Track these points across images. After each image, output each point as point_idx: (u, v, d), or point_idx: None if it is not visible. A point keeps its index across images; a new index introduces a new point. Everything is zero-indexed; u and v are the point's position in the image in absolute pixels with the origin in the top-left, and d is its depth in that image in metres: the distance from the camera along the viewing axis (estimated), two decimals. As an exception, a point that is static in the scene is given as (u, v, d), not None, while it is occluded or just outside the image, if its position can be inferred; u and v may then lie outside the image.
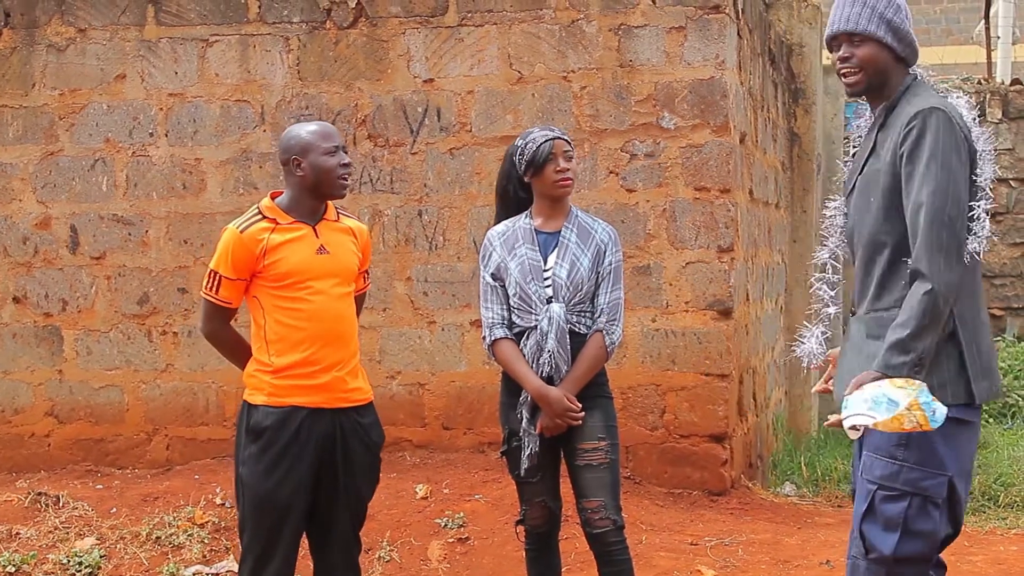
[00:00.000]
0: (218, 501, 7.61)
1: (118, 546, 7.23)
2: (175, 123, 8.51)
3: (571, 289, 5.21)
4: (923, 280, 3.81)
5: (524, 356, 5.23)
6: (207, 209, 8.47)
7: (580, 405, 5.21)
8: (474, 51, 8.21)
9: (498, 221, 5.43)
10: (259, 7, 8.43)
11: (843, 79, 4.11)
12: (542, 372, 5.21)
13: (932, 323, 3.80)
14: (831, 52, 4.14)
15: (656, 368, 8.04)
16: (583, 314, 5.27)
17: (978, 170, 3.91)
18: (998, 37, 16.68)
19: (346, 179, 5.09)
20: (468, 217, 8.22)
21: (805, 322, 4.27)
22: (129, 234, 8.56)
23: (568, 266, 5.23)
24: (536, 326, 5.21)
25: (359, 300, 5.35)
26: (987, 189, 3.89)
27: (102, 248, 8.59)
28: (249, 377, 5.09)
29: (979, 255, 3.90)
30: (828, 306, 4.20)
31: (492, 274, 5.31)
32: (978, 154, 3.92)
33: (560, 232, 5.29)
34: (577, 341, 5.24)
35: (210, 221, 8.43)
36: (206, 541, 7.23)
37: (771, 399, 9.97)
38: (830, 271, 4.21)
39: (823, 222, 4.37)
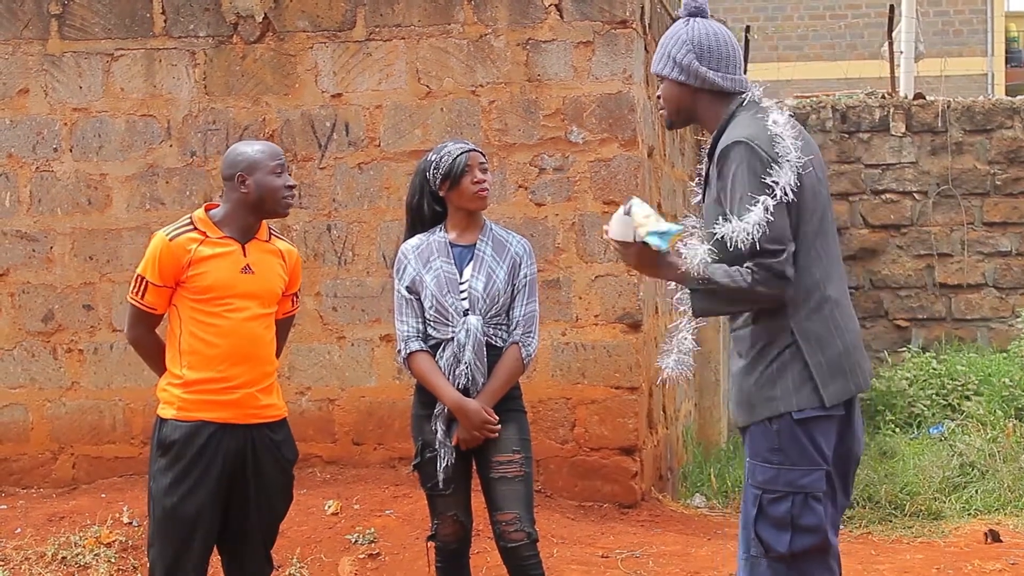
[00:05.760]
0: (125, 520, 7.52)
1: (23, 567, 7.12)
2: (80, 138, 8.42)
3: (487, 302, 5.22)
4: (754, 279, 4.06)
5: (440, 368, 5.23)
6: (113, 225, 8.38)
7: (497, 418, 5.21)
8: (382, 65, 8.20)
9: (408, 236, 5.42)
10: (164, 21, 8.37)
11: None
12: (459, 384, 5.20)
13: (730, 292, 4.09)
14: None
15: (566, 382, 8.06)
16: (499, 327, 5.28)
17: (772, 171, 4.08)
18: (901, 52, 16.92)
19: (290, 200, 5.11)
20: (377, 232, 8.20)
21: (704, 344, 4.40)
22: (33, 250, 8.45)
23: (484, 279, 5.23)
24: (452, 338, 5.21)
25: (287, 322, 5.35)
26: (774, 189, 4.04)
27: (5, 265, 8.47)
28: (161, 391, 5.08)
29: (744, 243, 4.03)
30: (690, 320, 4.38)
31: (407, 287, 5.30)
32: (777, 163, 4.11)
33: (475, 245, 5.30)
34: (493, 354, 5.25)
35: (116, 237, 8.34)
36: (113, 561, 7.15)
37: (680, 411, 10.03)
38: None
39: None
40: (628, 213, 4.13)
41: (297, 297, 5.38)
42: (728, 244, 4.03)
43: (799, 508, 4.12)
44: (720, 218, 4.09)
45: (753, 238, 3.99)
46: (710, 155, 4.27)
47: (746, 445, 4.23)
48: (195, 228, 5.04)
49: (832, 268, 4.23)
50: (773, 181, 4.03)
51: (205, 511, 4.96)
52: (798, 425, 4.09)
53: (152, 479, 5.03)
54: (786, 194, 4.03)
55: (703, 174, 4.33)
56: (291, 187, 5.09)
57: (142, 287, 5.04)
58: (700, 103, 4.32)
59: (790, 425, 4.10)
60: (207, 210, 5.12)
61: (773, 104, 4.28)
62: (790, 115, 4.22)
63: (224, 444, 4.97)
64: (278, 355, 5.24)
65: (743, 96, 4.29)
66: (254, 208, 5.05)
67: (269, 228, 5.22)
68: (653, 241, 4.08)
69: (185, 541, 4.95)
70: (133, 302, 5.09)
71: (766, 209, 3.99)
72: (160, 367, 5.15)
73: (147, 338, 5.17)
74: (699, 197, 4.38)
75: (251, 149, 5.09)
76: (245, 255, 5.05)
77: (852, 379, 4.18)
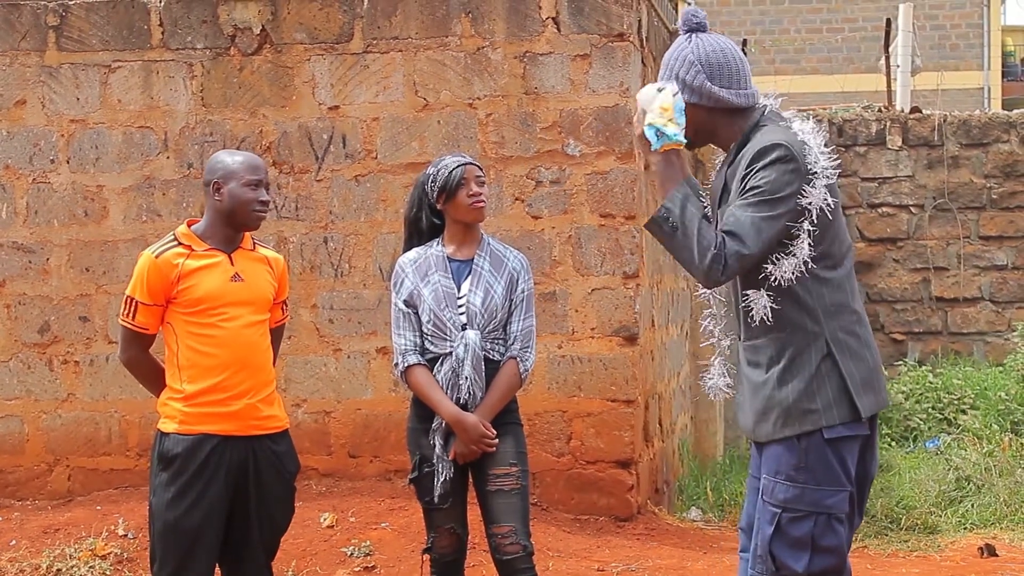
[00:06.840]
0: (120, 532, 7.51)
1: (18, 579, 7.12)
2: (77, 149, 8.42)
3: (485, 316, 5.23)
4: (727, 249, 3.97)
5: (438, 382, 5.24)
6: (109, 236, 8.38)
7: (495, 432, 5.22)
8: (379, 78, 8.20)
9: (407, 249, 5.43)
10: (162, 33, 8.37)
11: None
12: (457, 399, 5.21)
13: (688, 239, 4.00)
14: None
15: (562, 394, 8.05)
16: (496, 341, 5.29)
17: (805, 191, 4.01)
18: (898, 66, 16.93)
19: (262, 214, 5.10)
20: (374, 244, 8.20)
21: (702, 358, 4.34)
22: (30, 262, 8.45)
23: (482, 294, 5.25)
24: (451, 352, 5.22)
25: (279, 332, 5.36)
26: (810, 211, 4.00)
27: (1, 276, 8.47)
28: (162, 405, 5.08)
29: (795, 277, 4.00)
30: (721, 340, 4.29)
31: (405, 301, 5.31)
32: (812, 177, 4.04)
33: (473, 260, 5.31)
34: (490, 368, 5.26)
35: (112, 249, 8.34)
36: (108, 573, 7.14)
37: (677, 424, 10.02)
38: (714, 305, 4.33)
39: None
40: (660, 91, 4.11)
41: (287, 305, 5.39)
42: (783, 282, 3.97)
43: (821, 529, 4.01)
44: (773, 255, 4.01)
45: (801, 270, 3.95)
46: (729, 162, 4.18)
47: (763, 460, 4.11)
48: (180, 243, 5.05)
49: (855, 283, 4.17)
50: (807, 201, 3.97)
51: (207, 525, 4.96)
52: (827, 444, 3.99)
53: (153, 493, 5.02)
54: (821, 211, 3.98)
55: (720, 181, 4.23)
56: (264, 202, 5.08)
57: (132, 308, 5.03)
58: (716, 122, 4.21)
59: (819, 443, 4.00)
60: (189, 225, 5.13)
61: (793, 113, 4.20)
62: (812, 127, 4.13)
63: (226, 457, 4.97)
64: (273, 365, 5.24)
65: (763, 107, 4.20)
66: (226, 218, 5.06)
67: (253, 237, 5.23)
68: (648, 133, 4.06)
69: (187, 555, 4.95)
70: (124, 324, 5.08)
71: (799, 237, 3.95)
72: (156, 388, 5.14)
73: (141, 359, 5.16)
74: (713, 207, 4.26)
75: (231, 159, 5.10)
76: (233, 264, 5.07)
77: (878, 396, 4.11)
